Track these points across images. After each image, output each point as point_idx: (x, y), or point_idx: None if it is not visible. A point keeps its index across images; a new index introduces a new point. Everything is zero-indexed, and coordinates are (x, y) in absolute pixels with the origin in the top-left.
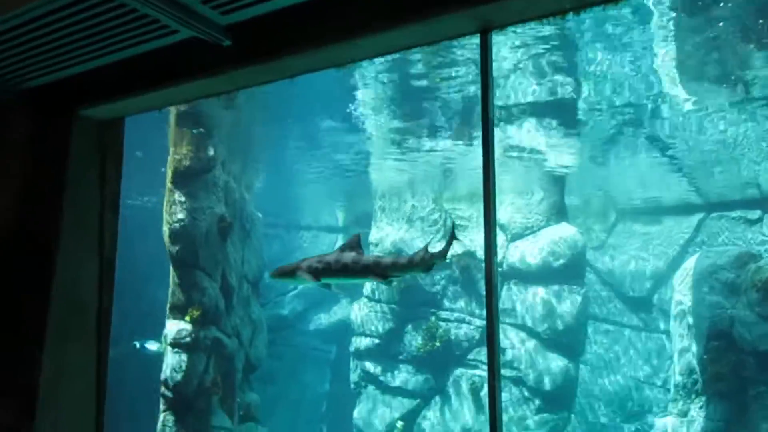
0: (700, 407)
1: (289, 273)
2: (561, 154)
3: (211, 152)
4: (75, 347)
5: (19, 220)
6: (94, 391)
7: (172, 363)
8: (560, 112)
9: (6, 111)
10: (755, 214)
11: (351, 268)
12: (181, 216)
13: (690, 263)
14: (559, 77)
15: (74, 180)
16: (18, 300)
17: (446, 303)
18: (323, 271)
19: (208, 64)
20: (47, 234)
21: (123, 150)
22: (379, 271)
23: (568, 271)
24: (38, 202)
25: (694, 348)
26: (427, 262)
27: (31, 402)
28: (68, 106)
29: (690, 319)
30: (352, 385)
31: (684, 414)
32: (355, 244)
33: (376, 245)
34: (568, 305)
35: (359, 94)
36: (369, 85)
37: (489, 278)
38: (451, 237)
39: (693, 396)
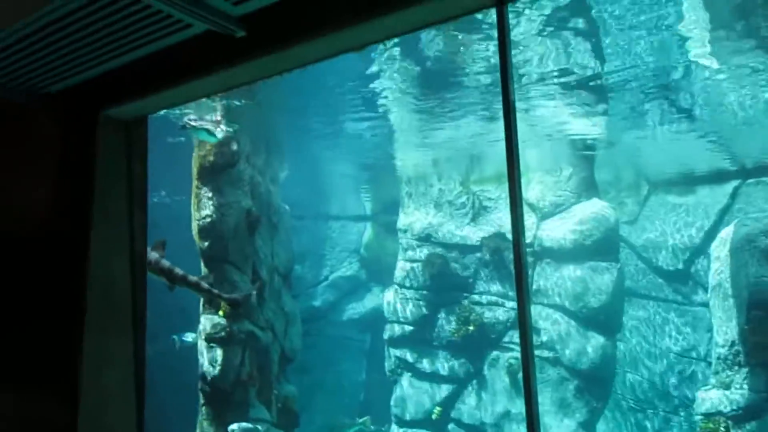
0: (744, 379)
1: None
2: (588, 127)
3: (235, 147)
4: (112, 341)
5: (51, 221)
6: (133, 383)
7: (209, 357)
8: (585, 85)
9: (32, 115)
10: None
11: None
12: (208, 212)
13: (727, 232)
14: (582, 48)
15: (102, 179)
16: (54, 297)
17: (478, 286)
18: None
19: (223, 57)
20: (79, 232)
21: (147, 147)
22: (165, 275)
23: (601, 247)
24: (68, 203)
25: (734, 319)
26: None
27: (73, 393)
28: (93, 108)
29: (729, 290)
30: (388, 373)
31: (727, 386)
32: (160, 245)
33: (405, 231)
34: (603, 282)
35: (378, 79)
36: (387, 69)
37: (518, 259)
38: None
39: (735, 368)
